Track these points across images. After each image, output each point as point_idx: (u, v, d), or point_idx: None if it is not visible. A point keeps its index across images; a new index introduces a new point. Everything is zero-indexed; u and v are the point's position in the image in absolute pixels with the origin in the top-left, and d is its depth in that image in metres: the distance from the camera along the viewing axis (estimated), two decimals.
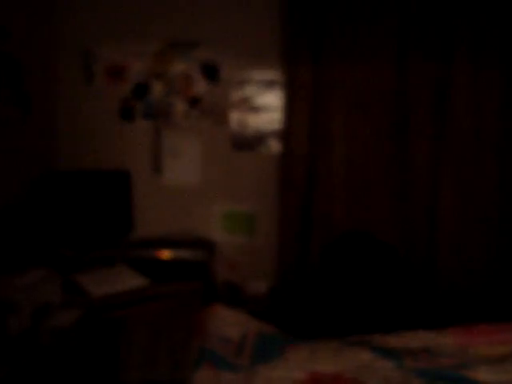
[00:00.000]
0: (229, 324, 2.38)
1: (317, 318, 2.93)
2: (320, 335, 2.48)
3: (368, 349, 2.21)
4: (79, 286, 2.45)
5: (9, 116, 2.71)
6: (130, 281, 2.60)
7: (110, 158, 3.25)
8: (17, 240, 2.59)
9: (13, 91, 2.72)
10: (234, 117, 3.28)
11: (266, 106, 3.27)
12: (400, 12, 3.05)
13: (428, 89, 3.07)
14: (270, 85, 3.25)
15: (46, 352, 1.96)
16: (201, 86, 3.26)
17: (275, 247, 3.22)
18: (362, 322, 2.78)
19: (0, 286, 2.07)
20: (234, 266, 3.29)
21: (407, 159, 3.13)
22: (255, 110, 3.27)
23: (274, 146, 3.28)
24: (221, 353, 2.16)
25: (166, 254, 2.97)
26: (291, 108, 3.15)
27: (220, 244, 3.27)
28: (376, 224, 3.15)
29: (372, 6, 3.05)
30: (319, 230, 3.15)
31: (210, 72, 3.25)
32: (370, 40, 3.06)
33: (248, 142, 3.29)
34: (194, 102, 3.27)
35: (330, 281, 2.96)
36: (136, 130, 3.29)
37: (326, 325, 2.83)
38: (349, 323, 2.78)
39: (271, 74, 3.25)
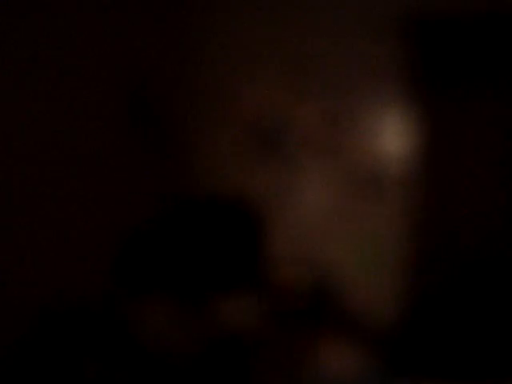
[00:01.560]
0: (343, 356, 2.46)
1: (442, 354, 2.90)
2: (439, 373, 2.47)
3: None
4: (206, 311, 2.58)
5: (146, 148, 2.98)
6: (255, 311, 2.69)
7: (240, 192, 3.44)
8: (153, 262, 2.77)
9: (150, 127, 3.01)
10: (358, 158, 3.34)
11: (391, 149, 3.28)
12: None
13: None
14: (396, 127, 3.28)
15: (175, 372, 2.14)
16: (326, 128, 3.36)
17: (401, 283, 3.25)
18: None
19: (130, 309, 2.31)
20: (358, 299, 3.36)
21: None
22: (380, 152, 3.30)
23: (400, 186, 3.30)
24: (330, 381, 2.25)
25: (293, 287, 3.12)
26: (420, 151, 3.18)
27: (346, 278, 3.34)
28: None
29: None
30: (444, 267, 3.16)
31: (335, 114, 3.34)
32: None
33: (372, 183, 3.31)
34: (319, 141, 3.38)
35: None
36: (265, 166, 3.45)
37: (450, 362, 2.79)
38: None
39: (398, 117, 3.27)
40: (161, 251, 2.83)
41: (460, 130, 3.13)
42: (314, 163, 3.40)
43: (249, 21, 3.42)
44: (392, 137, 3.30)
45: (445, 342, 2.95)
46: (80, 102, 2.30)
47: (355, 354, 2.49)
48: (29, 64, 2.00)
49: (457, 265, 3.14)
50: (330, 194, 3.40)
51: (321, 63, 3.36)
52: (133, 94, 2.78)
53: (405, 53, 3.21)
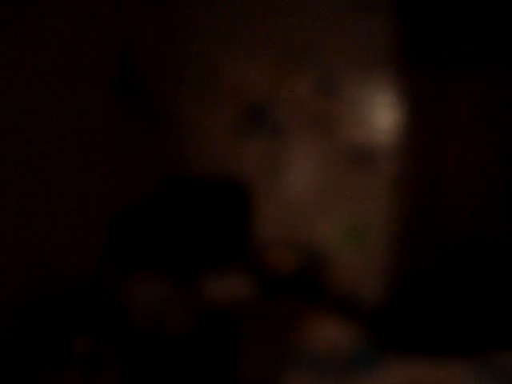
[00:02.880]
0: (331, 332, 2.49)
1: (431, 329, 2.94)
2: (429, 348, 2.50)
3: (473, 364, 2.22)
4: (196, 288, 2.61)
5: (136, 125, 2.92)
6: (244, 288, 2.72)
7: (229, 168, 3.44)
8: (144, 240, 2.78)
9: (139, 102, 2.96)
10: (347, 131, 3.34)
11: (380, 122, 3.30)
12: None
13: None
14: (385, 99, 3.28)
15: (165, 348, 2.14)
16: (315, 101, 3.35)
17: (388, 259, 3.28)
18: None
19: (121, 286, 2.31)
20: (345, 276, 3.39)
21: None
22: (369, 124, 3.31)
23: (388, 160, 3.32)
24: (318, 357, 2.27)
25: (281, 264, 3.12)
26: (408, 123, 3.19)
27: (333, 254, 3.36)
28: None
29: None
30: (432, 248, 3.19)
31: (324, 86, 3.35)
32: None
33: (361, 156, 3.34)
34: (308, 115, 3.37)
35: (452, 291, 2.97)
36: (254, 142, 3.45)
37: (439, 337, 2.83)
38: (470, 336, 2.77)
39: (386, 89, 3.28)
40: (151, 229, 2.84)
41: (450, 101, 3.14)
42: (302, 137, 3.40)
43: None
44: (382, 109, 3.31)
45: (432, 317, 3.00)
46: (67, 78, 2.28)
47: (342, 329, 2.51)
48: (16, 31, 1.97)
49: (445, 240, 3.17)
50: (318, 168, 3.41)
51: (309, 36, 3.34)
52: (121, 71, 2.75)
53: (394, 25, 3.20)
